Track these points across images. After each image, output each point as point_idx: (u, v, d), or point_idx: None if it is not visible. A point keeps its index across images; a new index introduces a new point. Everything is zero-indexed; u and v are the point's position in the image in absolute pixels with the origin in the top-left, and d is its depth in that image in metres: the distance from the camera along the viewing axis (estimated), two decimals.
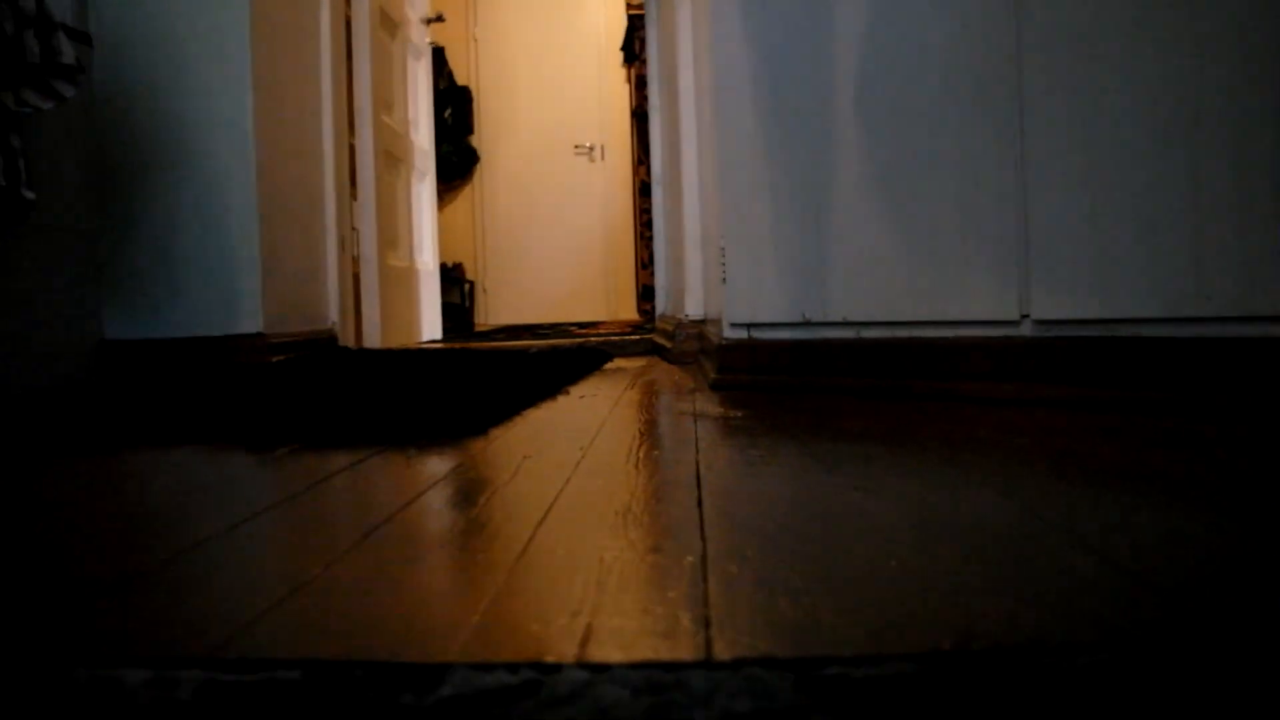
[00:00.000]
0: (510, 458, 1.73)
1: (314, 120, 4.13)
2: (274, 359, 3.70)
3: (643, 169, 8.83)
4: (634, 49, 8.98)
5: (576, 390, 2.83)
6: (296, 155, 3.99)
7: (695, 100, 3.49)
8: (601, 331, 6.31)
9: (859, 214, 2.52)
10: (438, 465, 1.68)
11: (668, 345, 3.65)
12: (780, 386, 2.57)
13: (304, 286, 4.02)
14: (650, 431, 2.09)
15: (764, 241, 2.63)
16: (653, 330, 4.51)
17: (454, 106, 9.07)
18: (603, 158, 9.17)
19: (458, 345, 4.61)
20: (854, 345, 2.51)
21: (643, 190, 8.84)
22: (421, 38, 5.29)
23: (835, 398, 2.40)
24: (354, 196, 4.41)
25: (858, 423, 2.03)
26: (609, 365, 3.59)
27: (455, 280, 8.97)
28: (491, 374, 2.96)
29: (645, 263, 8.80)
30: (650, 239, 9.09)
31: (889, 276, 2.48)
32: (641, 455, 1.69)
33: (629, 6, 9.01)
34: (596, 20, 9.26)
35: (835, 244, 2.55)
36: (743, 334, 2.67)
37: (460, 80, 9.25)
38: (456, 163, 9.07)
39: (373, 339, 4.36)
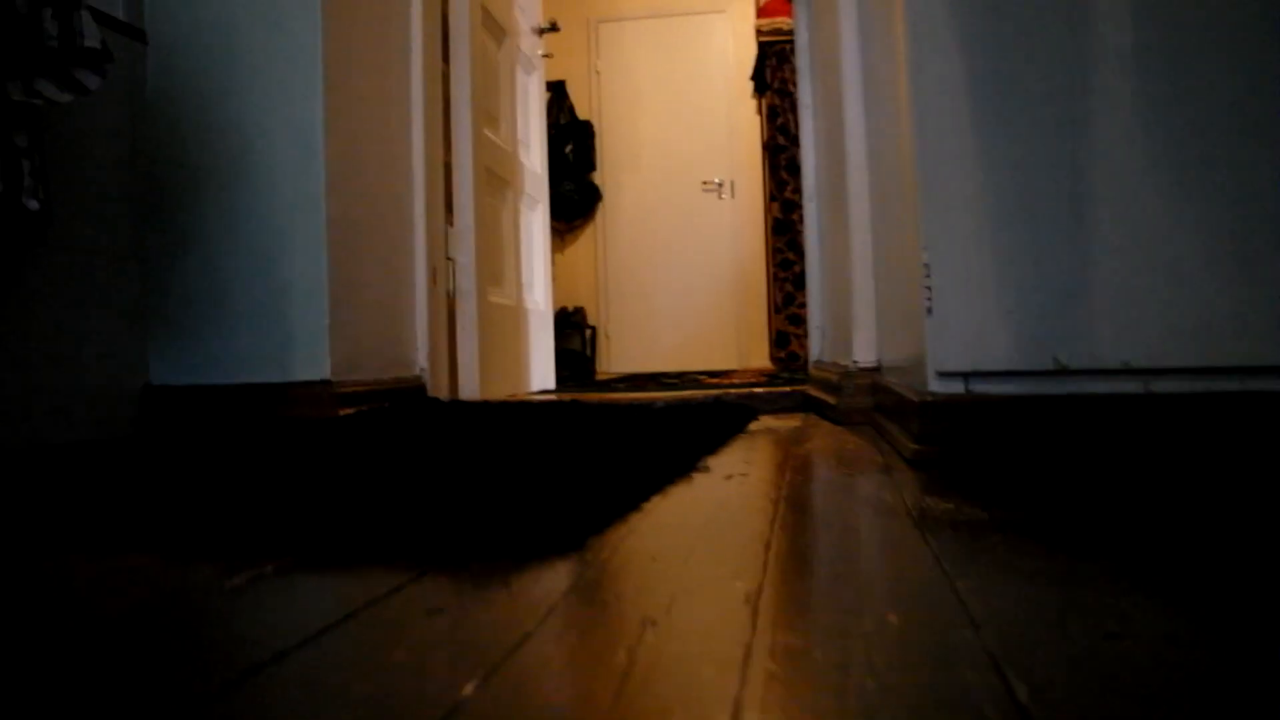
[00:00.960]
0: (617, 619, 0.92)
1: (401, 130, 3.43)
2: (343, 411, 2.97)
3: (775, 205, 8.02)
4: (765, 78, 8.21)
5: (718, 463, 2.01)
6: (378, 170, 3.28)
7: (861, 88, 2.69)
8: (735, 381, 5.49)
9: (1144, 211, 1.66)
10: (476, 633, 0.87)
11: (829, 400, 2.81)
12: (1019, 463, 1.71)
13: (385, 326, 3.30)
14: (854, 550, 1.26)
15: (988, 255, 1.78)
16: (804, 380, 3.68)
17: (575, 142, 8.41)
18: (732, 194, 8.39)
19: (571, 397, 3.83)
20: (1139, 402, 1.64)
21: (776, 228, 8.02)
22: (534, 49, 4.60)
23: (1115, 481, 1.54)
24: (450, 222, 3.70)
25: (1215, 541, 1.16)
26: (754, 425, 2.77)
27: (576, 325, 8.25)
28: (603, 439, 2.17)
29: (779, 306, 7.96)
30: (785, 280, 8.27)
31: (1198, 302, 1.62)
32: (864, 613, 0.86)
33: (759, 34, 8.25)
34: (724, 50, 8.52)
35: (1104, 257, 1.69)
36: (956, 386, 1.82)
37: (582, 114, 8.59)
38: (578, 201, 8.40)
39: (470, 388, 3.62)
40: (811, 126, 3.26)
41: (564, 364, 6.40)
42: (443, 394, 3.55)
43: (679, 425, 2.49)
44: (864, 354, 2.66)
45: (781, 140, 8.08)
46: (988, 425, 1.75)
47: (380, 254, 3.27)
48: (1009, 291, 1.76)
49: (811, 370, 3.24)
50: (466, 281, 3.65)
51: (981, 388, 1.80)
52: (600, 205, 8.52)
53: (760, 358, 8.29)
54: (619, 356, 8.44)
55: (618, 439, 2.16)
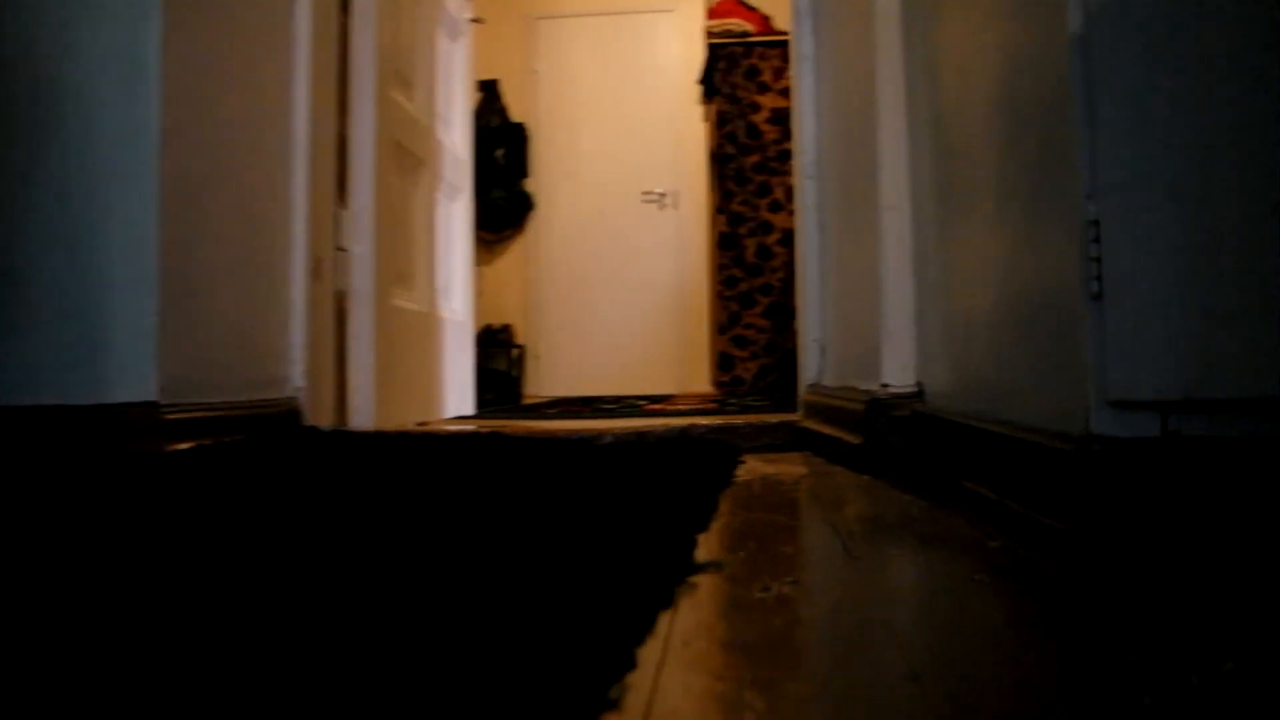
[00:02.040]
0: None
1: (278, 81, 2.58)
2: (177, 446, 2.11)
3: (721, 218, 7.25)
4: (714, 82, 7.45)
5: (715, 547, 1.20)
6: (243, 128, 2.43)
7: (900, 21, 1.92)
8: (680, 408, 4.68)
9: None
10: None
11: (845, 437, 2.01)
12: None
13: (246, 332, 2.44)
14: None
15: (1221, 205, 1.01)
16: (793, 410, 2.85)
17: (507, 146, 7.57)
18: (675, 206, 7.60)
19: (493, 426, 3.00)
20: None
21: (722, 242, 7.24)
22: (460, 9, 3.78)
23: None
24: (343, 203, 2.85)
25: None
26: (741, 472, 1.97)
27: (502, 344, 7.39)
28: (530, 503, 1.35)
29: (724, 326, 7.18)
30: (731, 298, 7.48)
31: None
32: None
33: (709, 35, 7.50)
34: (671, 53, 7.74)
35: None
36: (1146, 425, 1.04)
37: (515, 117, 7.75)
38: (508, 209, 7.55)
39: (363, 414, 2.77)
40: (812, 84, 2.46)
41: (488, 385, 5.56)
42: (326, 420, 2.69)
43: (638, 473, 1.68)
44: (897, 375, 1.87)
45: (730, 149, 7.32)
46: (1214, 493, 0.96)
47: (241, 236, 2.41)
48: (1260, 261, 0.97)
49: (806, 397, 2.43)
50: (362, 279, 2.80)
51: (1198, 427, 1.01)
52: (532, 215, 7.68)
53: (701, 381, 7.50)
54: (549, 379, 7.60)
55: (549, 503, 1.34)
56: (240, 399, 2.36)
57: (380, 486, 1.76)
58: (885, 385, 1.88)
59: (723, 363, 7.22)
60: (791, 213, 7.75)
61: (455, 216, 3.55)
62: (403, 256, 3.00)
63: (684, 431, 2.41)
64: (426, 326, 3.11)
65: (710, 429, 2.45)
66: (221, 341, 2.32)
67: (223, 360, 2.33)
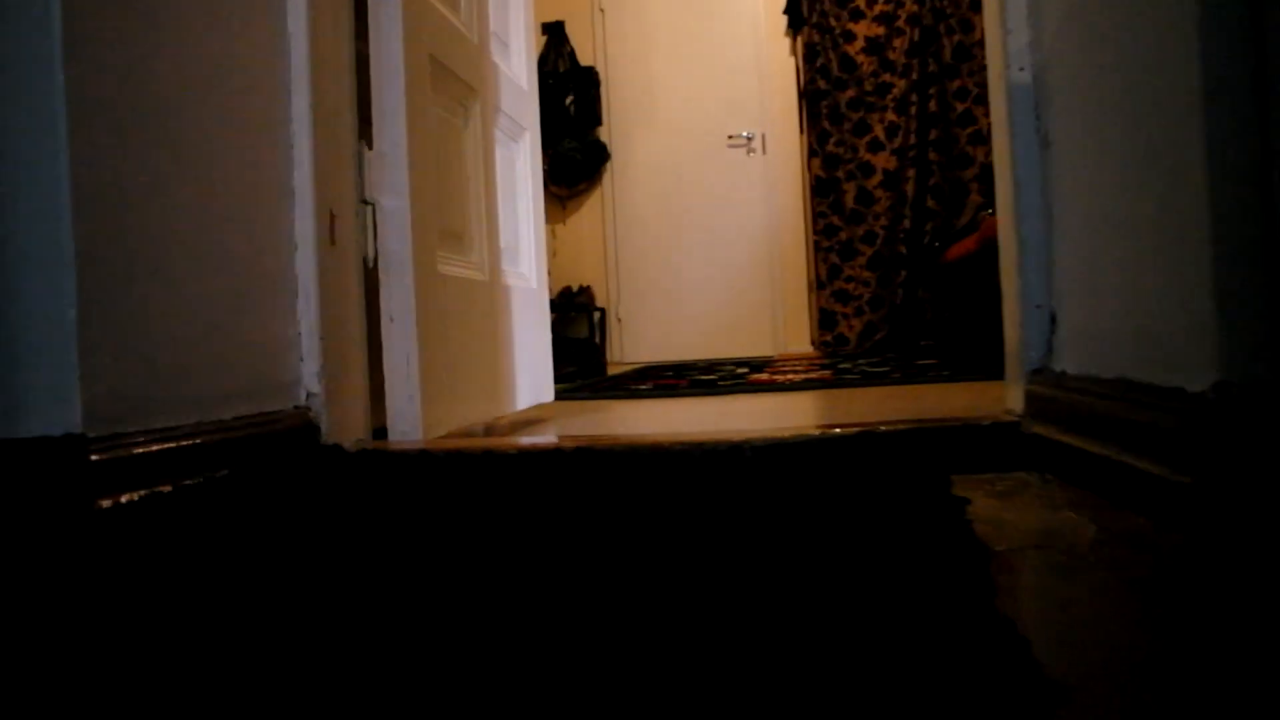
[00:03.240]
0: None
1: None
2: (119, 498, 1.39)
3: (816, 161, 6.38)
4: (801, 10, 6.56)
5: None
6: (211, 34, 1.68)
7: None
8: (790, 377, 3.88)
9: None
10: None
11: (1139, 466, 1.20)
12: None
13: (230, 322, 1.69)
14: None
15: None
16: (956, 378, 2.04)
17: (577, 93, 6.77)
18: (764, 150, 6.74)
19: (582, 436, 2.23)
20: None
21: (817, 188, 6.38)
22: None
23: None
24: (367, 141, 2.09)
25: None
26: (976, 521, 1.19)
27: (582, 308, 6.64)
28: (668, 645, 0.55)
29: (822, 280, 6.33)
30: (830, 249, 6.61)
31: None
32: None
33: None
34: None
35: None
36: None
37: (584, 60, 6.94)
38: (581, 161, 6.76)
39: (407, 419, 2.03)
40: None
41: (568, 355, 4.82)
42: (354, 433, 1.95)
43: (839, 554, 0.90)
44: (1243, 368, 1.06)
45: (822, 84, 6.43)
46: None
47: (216, 183, 1.66)
48: None
49: (1034, 388, 1.62)
50: (397, 240, 2.04)
51: None
52: (608, 166, 6.88)
53: (799, 341, 6.68)
54: (633, 343, 6.83)
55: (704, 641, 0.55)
56: (224, 417, 1.63)
57: (417, 572, 1.01)
58: (1223, 384, 1.07)
59: (824, 320, 6.38)
60: (894, 151, 6.91)
61: (519, 159, 2.77)
62: (452, 210, 2.24)
63: (858, 440, 1.61)
64: (488, 298, 2.35)
65: (885, 435, 1.65)
66: (193, 337, 1.59)
67: (196, 363, 1.59)
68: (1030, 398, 1.64)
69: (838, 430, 1.67)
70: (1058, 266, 1.62)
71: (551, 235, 6.89)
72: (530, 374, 2.60)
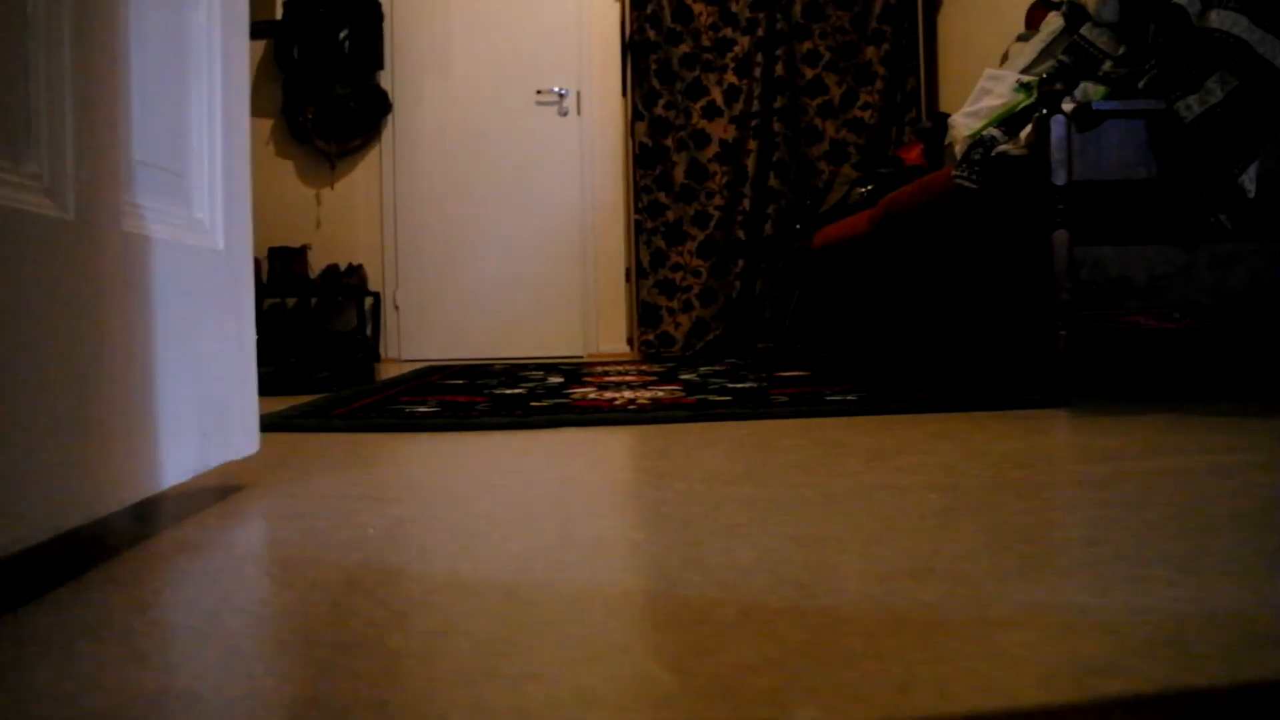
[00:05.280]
0: None
1: None
2: None
3: (641, 125, 5.32)
4: None
5: None
6: None
7: None
8: (635, 397, 2.81)
9: None
10: None
11: None
12: None
13: None
14: None
15: None
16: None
17: (354, 26, 5.45)
18: (578, 110, 5.62)
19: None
20: None
21: (642, 157, 5.32)
22: None
23: None
24: None
25: None
26: None
27: (351, 292, 5.34)
28: None
29: (645, 269, 5.28)
30: (655, 231, 5.51)
31: None
32: None
33: None
34: None
35: None
36: None
37: None
38: (356, 111, 5.45)
39: None
40: None
41: (324, 354, 3.56)
42: None
43: None
44: None
45: (652, 34, 5.38)
46: None
47: None
48: None
49: None
50: None
51: None
52: (389, 120, 5.60)
53: (614, 339, 5.61)
54: (415, 337, 5.59)
55: None
56: None
57: None
58: None
59: (645, 316, 5.33)
60: (733, 119, 5.81)
61: (193, 7, 1.54)
62: None
63: None
64: (68, 257, 1.12)
65: None
66: None
67: None
68: None
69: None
70: None
71: (316, 202, 5.56)
72: (200, 406, 1.38)
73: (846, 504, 1.20)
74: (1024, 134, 2.40)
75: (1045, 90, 2.29)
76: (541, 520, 1.15)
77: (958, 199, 2.53)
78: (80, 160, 1.03)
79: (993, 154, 2.38)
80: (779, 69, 5.30)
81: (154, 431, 1.17)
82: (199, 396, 1.31)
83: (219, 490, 1.43)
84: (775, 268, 5.15)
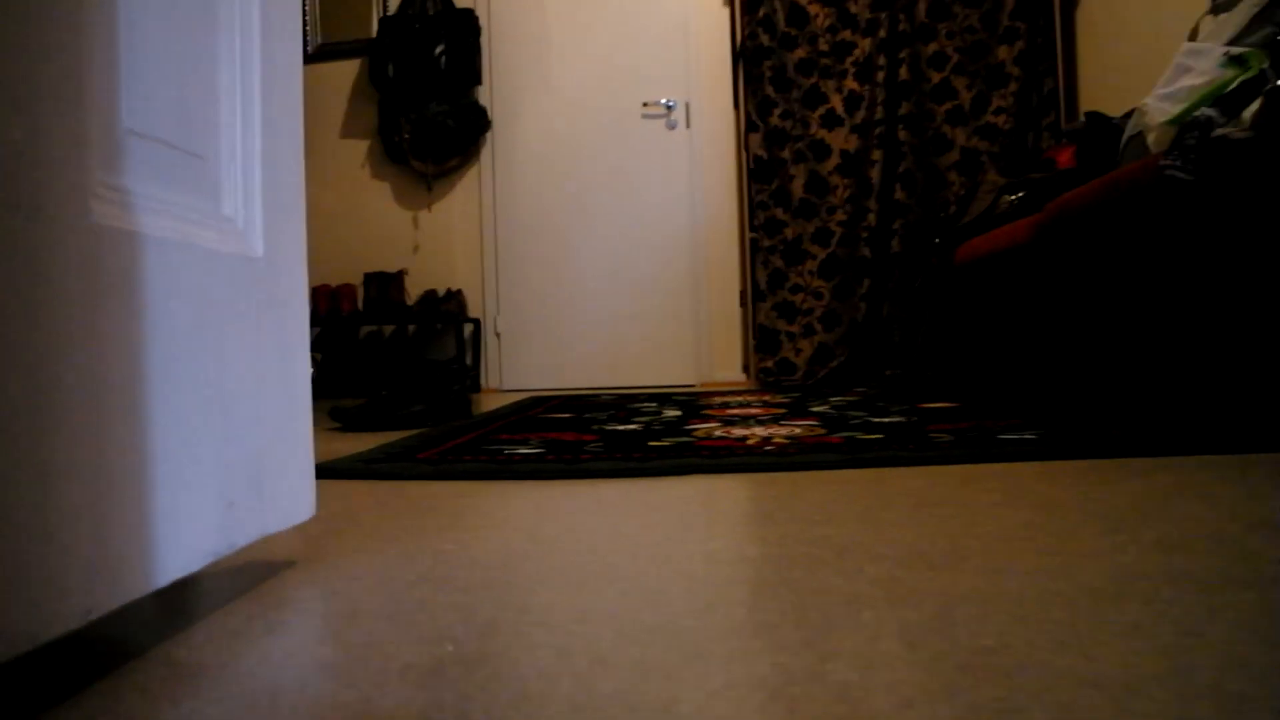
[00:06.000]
0: None
1: None
2: None
3: (754, 138, 4.95)
4: None
5: None
6: None
7: None
8: (761, 434, 2.44)
9: None
10: None
11: None
12: None
13: None
14: None
15: None
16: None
17: (450, 41, 5.21)
18: (687, 123, 5.28)
19: None
20: None
21: (756, 171, 4.95)
22: None
23: None
24: None
25: None
26: None
27: (450, 319, 5.07)
28: None
29: (762, 290, 4.90)
30: (771, 250, 5.12)
31: None
32: None
33: None
34: None
35: None
36: None
37: (461, 1, 5.41)
38: (453, 129, 5.20)
39: None
40: None
41: (423, 384, 3.25)
42: None
43: None
44: None
45: (765, 39, 5.02)
46: None
47: None
48: None
49: None
50: None
51: None
52: (488, 138, 5.34)
53: (729, 367, 5.23)
54: (517, 366, 5.29)
55: None
56: None
57: None
58: None
59: (762, 342, 4.94)
60: (855, 128, 5.27)
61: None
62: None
63: None
64: (33, 261, 0.80)
65: None
66: None
67: None
68: None
69: None
70: None
71: (413, 225, 5.32)
72: (223, 466, 1.03)
73: (1124, 608, 0.80)
74: (1248, 113, 1.96)
75: None
76: (692, 634, 0.78)
77: (1158, 196, 2.09)
78: (16, 111, 0.70)
79: (1211, 137, 1.94)
80: (903, 73, 4.89)
81: (142, 509, 0.83)
82: (221, 453, 0.97)
83: (257, 569, 1.09)
84: (911, 287, 4.71)
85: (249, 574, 1.08)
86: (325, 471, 1.88)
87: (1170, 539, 1.09)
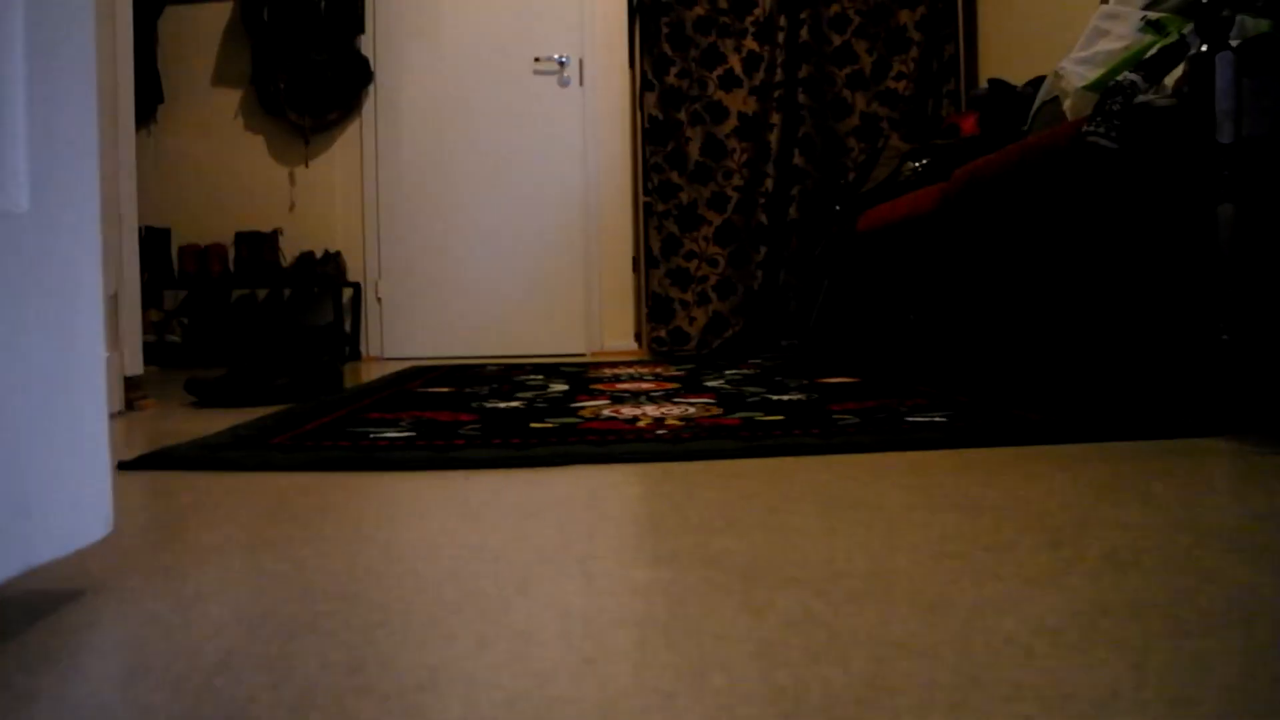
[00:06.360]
0: None
1: None
2: None
3: (651, 97, 4.77)
4: None
5: None
6: None
7: None
8: (648, 404, 2.28)
9: None
10: None
11: None
12: None
13: None
14: None
15: None
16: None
17: None
18: (581, 80, 5.06)
19: None
20: None
21: (651, 133, 4.77)
22: None
23: None
24: None
25: None
26: None
27: (328, 282, 4.79)
28: None
29: (656, 257, 4.73)
30: (666, 215, 4.94)
31: None
32: None
33: None
34: None
35: None
36: None
37: None
38: (333, 80, 4.89)
39: None
40: None
41: (290, 354, 3.00)
42: None
43: None
44: None
45: None
46: None
47: None
48: None
49: None
50: None
51: None
52: (370, 90, 5.04)
53: (620, 335, 5.06)
54: (399, 333, 5.03)
55: None
56: None
57: None
58: None
59: (656, 310, 4.78)
60: (754, 90, 5.15)
61: None
62: None
63: None
64: None
65: None
66: None
67: None
68: None
69: None
70: None
71: (289, 181, 5.00)
72: None
73: (1094, 659, 0.65)
74: (1171, 79, 1.85)
75: (1208, 19, 1.74)
76: (563, 710, 0.60)
77: (1079, 164, 1.98)
78: None
79: (1134, 104, 1.82)
80: (804, 34, 4.75)
81: None
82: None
83: (24, 606, 0.87)
84: (810, 255, 4.59)
85: (22, 609, 0.87)
86: (161, 460, 1.65)
87: (1119, 554, 0.95)
